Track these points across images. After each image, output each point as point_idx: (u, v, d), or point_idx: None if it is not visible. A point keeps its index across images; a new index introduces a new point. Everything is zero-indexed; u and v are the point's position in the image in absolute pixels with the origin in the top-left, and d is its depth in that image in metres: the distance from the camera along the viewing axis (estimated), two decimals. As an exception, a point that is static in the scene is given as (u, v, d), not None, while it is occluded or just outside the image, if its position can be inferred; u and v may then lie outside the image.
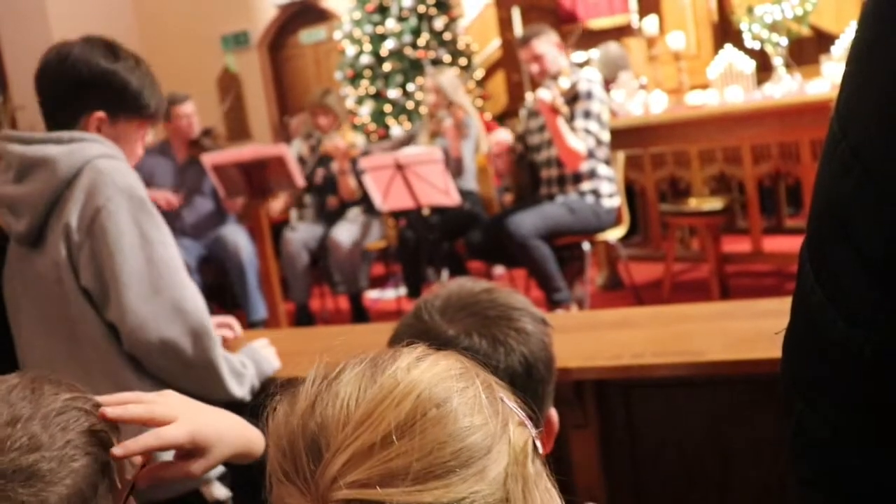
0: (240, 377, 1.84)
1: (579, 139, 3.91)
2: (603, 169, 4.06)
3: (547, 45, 4.09)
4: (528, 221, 3.89)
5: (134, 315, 1.68)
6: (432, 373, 0.64)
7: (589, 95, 3.97)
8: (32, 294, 1.81)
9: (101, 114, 1.78)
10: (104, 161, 1.74)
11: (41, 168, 1.74)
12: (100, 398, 0.89)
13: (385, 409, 0.60)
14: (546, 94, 3.82)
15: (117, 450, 0.85)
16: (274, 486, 0.64)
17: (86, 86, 1.76)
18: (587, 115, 3.96)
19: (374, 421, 0.60)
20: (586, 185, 4.03)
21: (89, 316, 1.74)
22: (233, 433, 0.99)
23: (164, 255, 1.74)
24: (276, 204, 5.25)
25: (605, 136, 4.06)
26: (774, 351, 1.63)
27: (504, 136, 4.45)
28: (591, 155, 3.99)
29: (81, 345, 1.75)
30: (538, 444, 0.67)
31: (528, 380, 1.07)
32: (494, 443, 0.62)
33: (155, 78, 1.85)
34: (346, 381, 0.64)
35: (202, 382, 1.77)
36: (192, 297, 1.76)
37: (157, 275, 1.72)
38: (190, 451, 0.94)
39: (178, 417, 0.94)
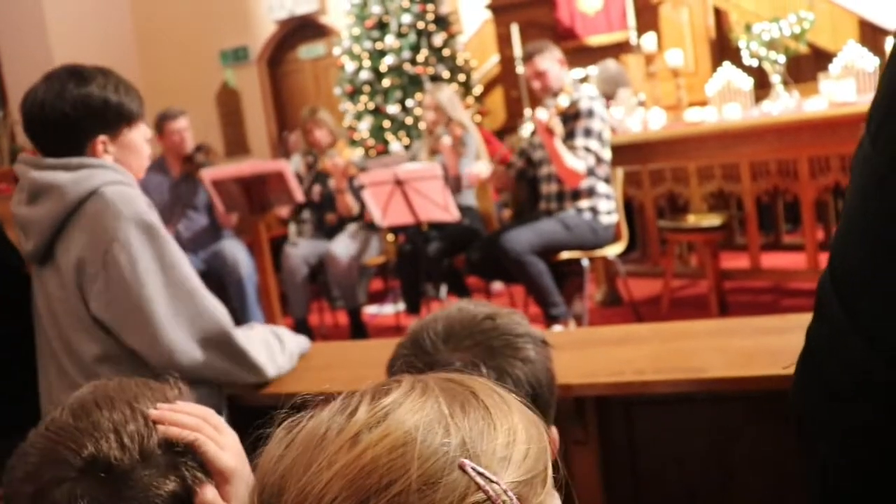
0: (269, 351, 1.96)
1: (579, 157, 3.91)
2: (602, 187, 4.07)
3: (550, 61, 4.11)
4: (522, 238, 3.90)
5: (163, 344, 1.76)
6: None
7: (590, 113, 3.98)
8: (43, 307, 1.87)
9: (102, 137, 1.83)
10: (111, 188, 1.78)
11: (50, 193, 1.80)
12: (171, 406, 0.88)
13: None
14: (543, 114, 3.83)
15: (156, 412, 0.85)
16: None
17: (71, 119, 1.79)
18: (588, 133, 3.97)
19: None
20: (584, 203, 4.04)
21: (90, 337, 1.79)
22: None
23: (178, 276, 1.80)
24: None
25: (606, 154, 4.07)
26: (775, 368, 1.63)
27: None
28: (590, 173, 4.00)
29: (68, 365, 1.81)
30: None
31: (535, 406, 1.07)
32: None
33: (123, 80, 1.88)
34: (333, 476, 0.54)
35: (242, 376, 1.89)
36: (211, 308, 1.83)
37: (175, 296, 1.78)
38: (217, 483, 0.87)
39: (229, 450, 0.88)
